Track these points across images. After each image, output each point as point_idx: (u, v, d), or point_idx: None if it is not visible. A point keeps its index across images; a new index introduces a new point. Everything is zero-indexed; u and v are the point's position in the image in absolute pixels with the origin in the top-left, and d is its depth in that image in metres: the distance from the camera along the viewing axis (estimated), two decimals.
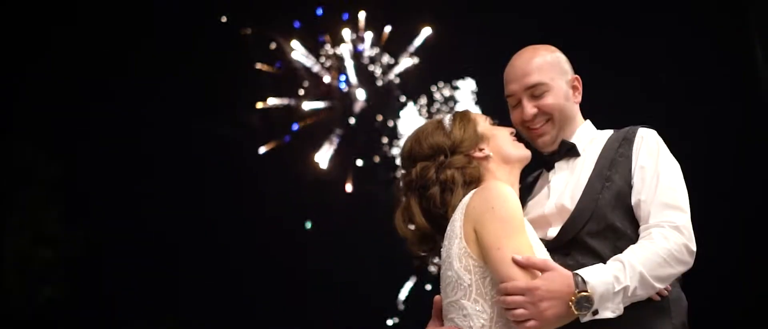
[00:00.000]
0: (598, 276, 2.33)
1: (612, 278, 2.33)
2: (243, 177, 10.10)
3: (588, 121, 2.88)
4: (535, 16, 8.26)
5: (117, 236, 9.48)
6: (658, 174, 2.58)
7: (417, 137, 2.63)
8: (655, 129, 2.75)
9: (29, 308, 9.53)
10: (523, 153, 2.68)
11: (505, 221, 2.34)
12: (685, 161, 2.71)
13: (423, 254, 2.64)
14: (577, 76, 2.83)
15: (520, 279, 2.28)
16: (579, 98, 2.83)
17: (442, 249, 2.51)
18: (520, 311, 2.26)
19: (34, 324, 9.43)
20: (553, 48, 2.87)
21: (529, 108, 2.74)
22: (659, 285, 2.43)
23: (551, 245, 2.56)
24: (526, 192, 2.84)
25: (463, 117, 2.65)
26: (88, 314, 9.27)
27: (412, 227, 2.60)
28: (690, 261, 2.49)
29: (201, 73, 9.40)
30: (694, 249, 2.49)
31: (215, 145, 9.90)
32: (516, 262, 2.29)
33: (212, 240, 9.63)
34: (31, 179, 9.76)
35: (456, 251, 2.41)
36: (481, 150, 2.59)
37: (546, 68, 2.76)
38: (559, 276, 2.30)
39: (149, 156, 9.64)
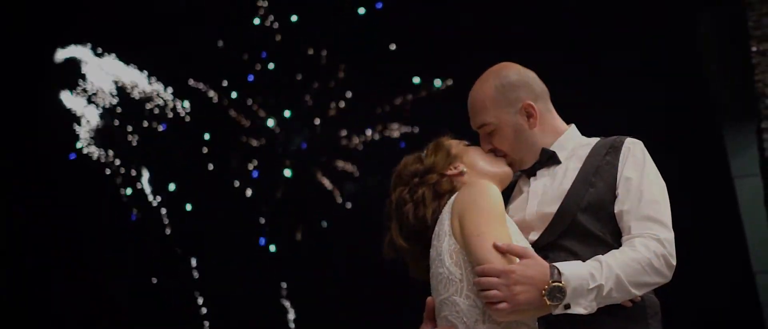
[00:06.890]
0: (574, 270, 2.41)
1: (587, 274, 2.41)
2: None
3: (572, 127, 2.92)
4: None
5: (40, 231, 9.23)
6: (642, 187, 2.62)
7: (398, 171, 2.81)
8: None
9: None
10: (499, 169, 2.80)
11: (486, 212, 2.47)
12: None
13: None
14: (529, 102, 2.80)
15: (497, 262, 2.38)
16: (536, 122, 2.81)
17: (431, 250, 2.62)
18: (493, 292, 2.34)
19: None
20: (504, 72, 2.84)
21: (485, 146, 2.85)
22: (636, 291, 2.49)
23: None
24: (505, 196, 2.84)
25: (437, 144, 2.82)
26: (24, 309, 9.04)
27: (392, 244, 2.74)
28: (668, 274, 2.54)
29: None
30: (674, 263, 2.54)
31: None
32: (496, 247, 2.39)
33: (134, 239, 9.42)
34: None
35: (446, 247, 2.53)
36: (455, 168, 2.74)
37: (489, 105, 2.80)
38: (535, 264, 2.39)
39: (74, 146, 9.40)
